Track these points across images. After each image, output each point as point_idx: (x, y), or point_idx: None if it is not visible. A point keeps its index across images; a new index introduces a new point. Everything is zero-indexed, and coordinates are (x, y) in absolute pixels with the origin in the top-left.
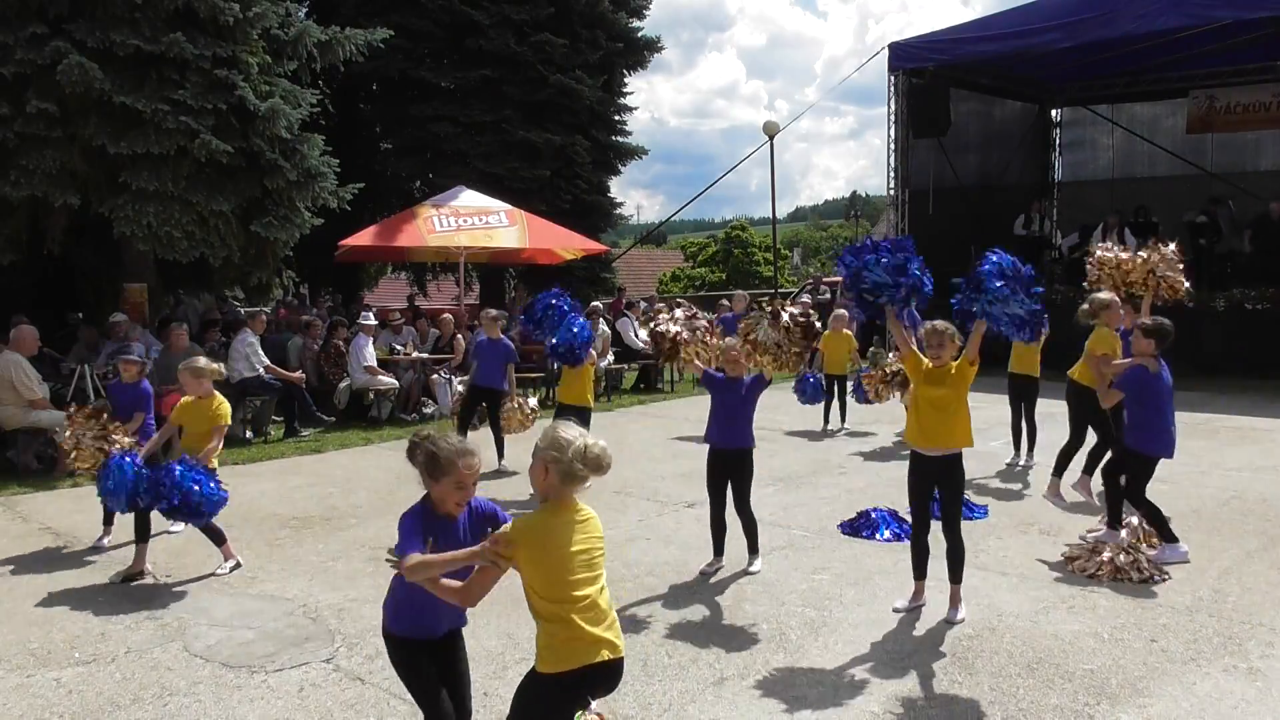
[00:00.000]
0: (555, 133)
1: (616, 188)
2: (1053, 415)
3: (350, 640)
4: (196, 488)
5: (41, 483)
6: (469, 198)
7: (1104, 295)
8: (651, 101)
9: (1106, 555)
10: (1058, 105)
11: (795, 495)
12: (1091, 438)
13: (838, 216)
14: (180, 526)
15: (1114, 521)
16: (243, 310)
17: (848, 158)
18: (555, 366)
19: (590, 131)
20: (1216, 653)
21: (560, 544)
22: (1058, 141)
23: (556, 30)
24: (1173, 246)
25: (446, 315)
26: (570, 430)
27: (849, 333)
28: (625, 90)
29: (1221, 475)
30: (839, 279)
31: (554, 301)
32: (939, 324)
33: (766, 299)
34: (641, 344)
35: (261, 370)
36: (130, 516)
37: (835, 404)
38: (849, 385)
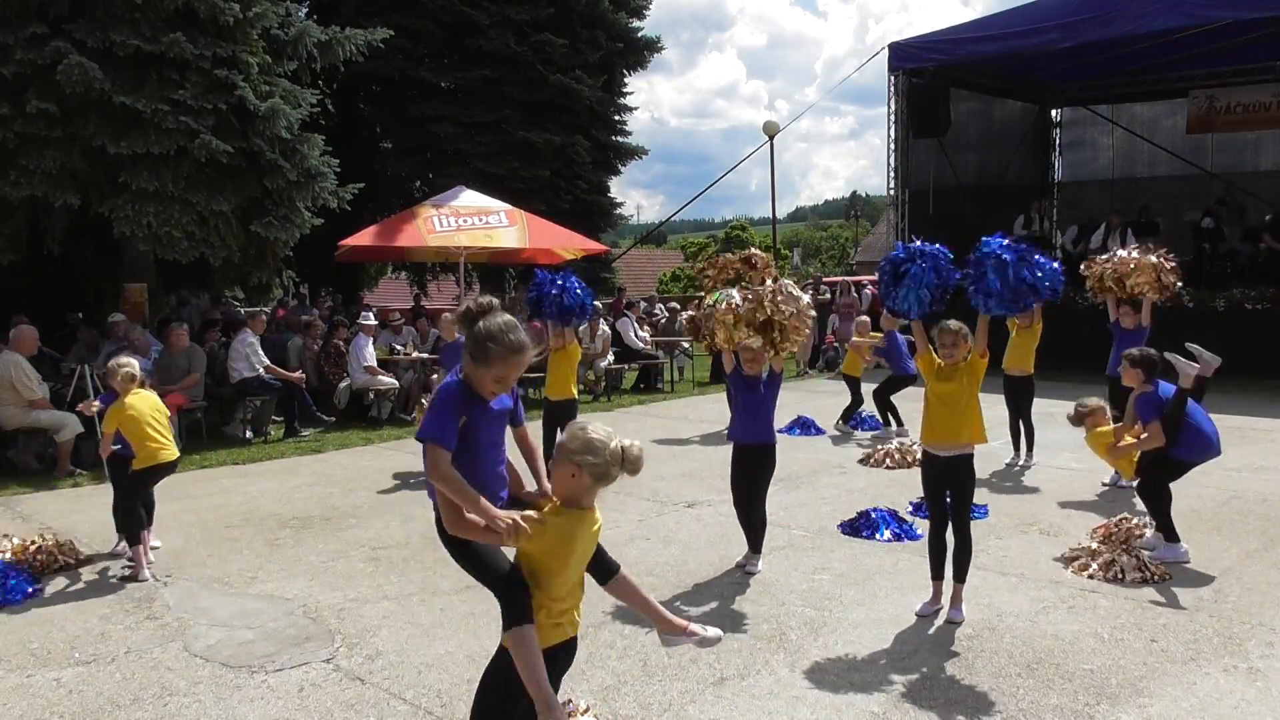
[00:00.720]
0: (555, 133)
1: (616, 188)
2: (1051, 415)
3: (350, 640)
4: None
5: (41, 483)
6: (469, 198)
7: (1091, 401)
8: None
9: (1107, 556)
10: (1058, 105)
11: (795, 495)
12: None
13: (838, 216)
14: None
15: (1169, 535)
16: (243, 310)
17: (848, 158)
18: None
19: (590, 131)
20: (1216, 653)
21: (578, 553)
22: (1058, 141)
23: (556, 30)
24: (1163, 253)
25: (447, 315)
26: (600, 430)
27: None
28: (625, 90)
29: (1221, 475)
30: (838, 279)
31: (553, 292)
32: (952, 323)
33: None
34: (641, 344)
35: (261, 370)
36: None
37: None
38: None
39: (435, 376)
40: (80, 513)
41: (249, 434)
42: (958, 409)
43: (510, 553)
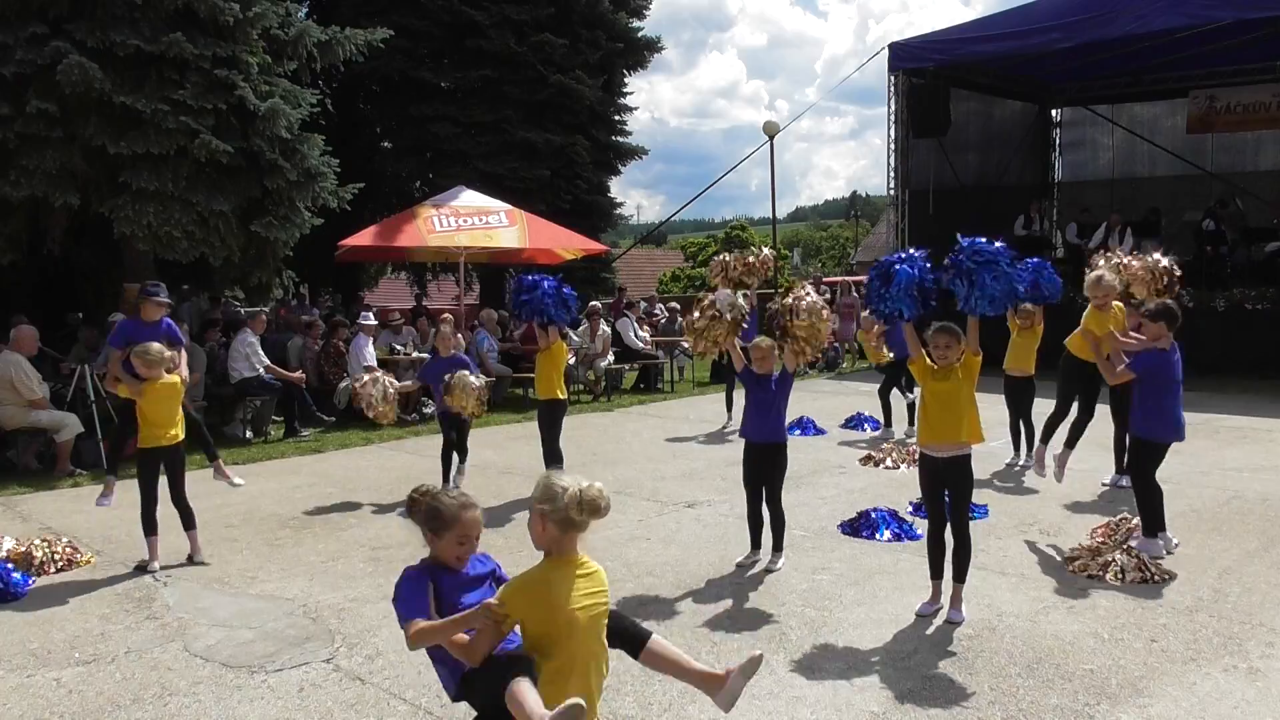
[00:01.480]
0: (555, 133)
1: (616, 188)
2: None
3: (350, 640)
4: None
5: (41, 483)
6: (469, 198)
7: (1097, 273)
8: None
9: (1107, 556)
10: (1058, 105)
11: (795, 495)
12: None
13: (838, 216)
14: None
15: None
16: (243, 310)
17: (848, 158)
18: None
19: (590, 131)
20: (1216, 653)
21: (561, 601)
22: (1058, 141)
23: (556, 30)
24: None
25: (447, 315)
26: (562, 479)
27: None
28: (625, 90)
29: (1221, 475)
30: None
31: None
32: (945, 325)
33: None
34: (641, 344)
35: (261, 370)
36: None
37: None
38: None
39: None
40: (80, 513)
41: (249, 434)
42: (954, 409)
43: None
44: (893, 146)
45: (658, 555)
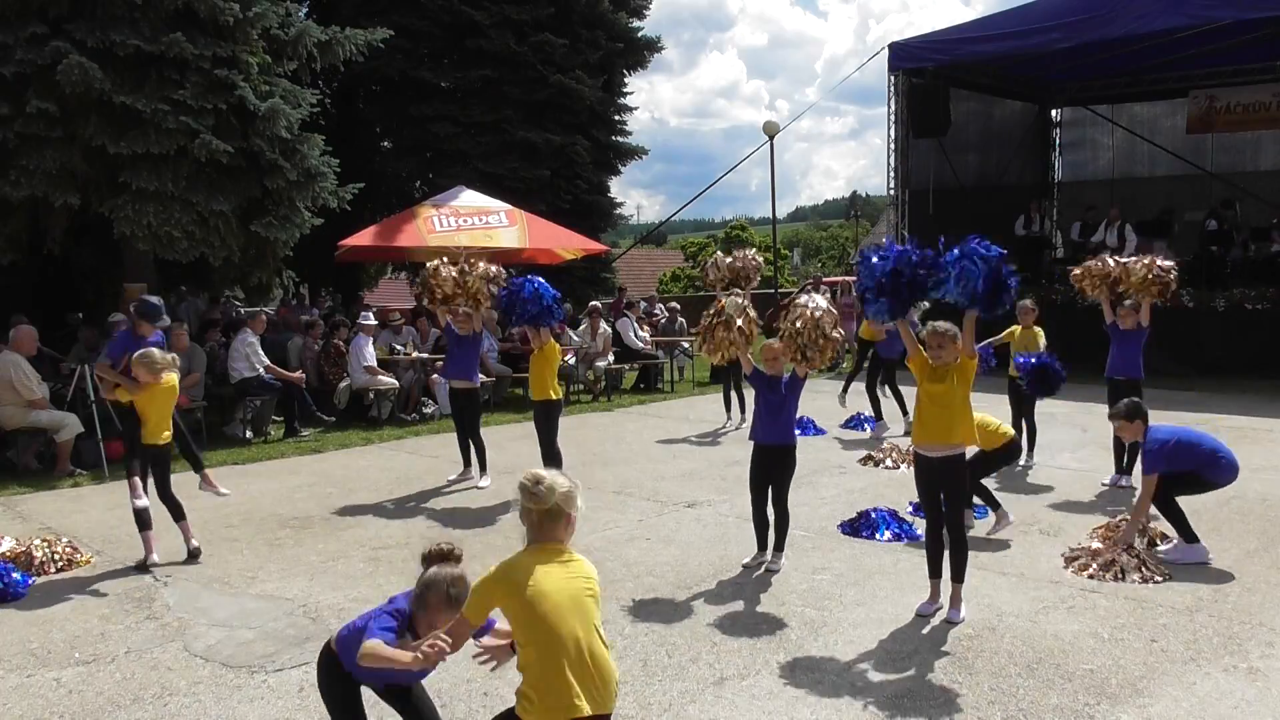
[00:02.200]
0: (555, 133)
1: (616, 188)
2: (1053, 415)
3: None
4: None
5: (41, 483)
6: (469, 198)
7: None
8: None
9: (1108, 556)
10: (1058, 105)
11: (795, 495)
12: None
13: (838, 216)
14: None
15: (1187, 537)
16: (243, 310)
17: (848, 158)
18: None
19: (590, 131)
20: (1216, 653)
21: (538, 581)
22: (1058, 141)
23: (556, 30)
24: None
25: (465, 309)
26: (527, 473)
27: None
28: (625, 90)
29: None
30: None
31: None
32: (941, 325)
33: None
34: (641, 344)
35: (261, 370)
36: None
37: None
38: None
39: (435, 377)
40: (80, 513)
41: (249, 434)
42: (949, 409)
43: None
44: (893, 146)
45: (658, 555)
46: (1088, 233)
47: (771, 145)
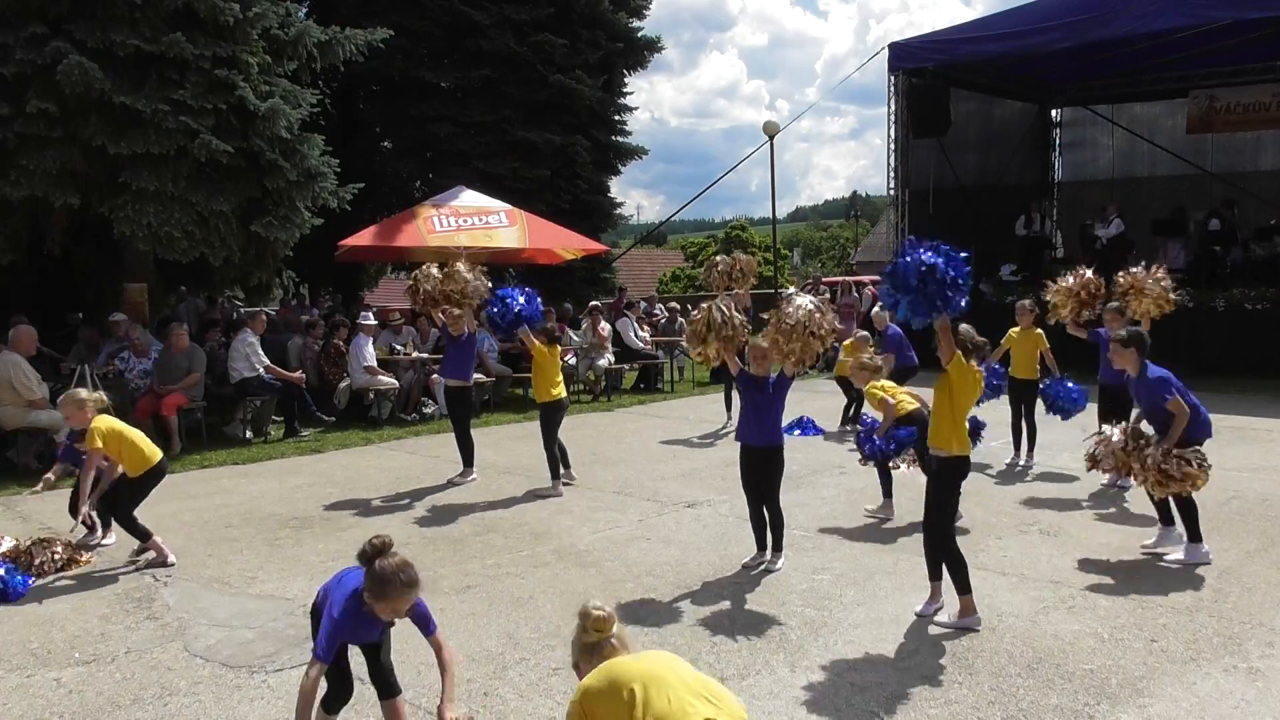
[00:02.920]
0: (555, 133)
1: (616, 188)
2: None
3: None
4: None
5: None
6: (469, 198)
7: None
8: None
9: (1132, 462)
10: (1058, 105)
11: (795, 495)
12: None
13: (838, 216)
14: (111, 539)
15: (1194, 536)
16: (243, 310)
17: (848, 158)
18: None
19: (590, 131)
20: (1216, 653)
21: (628, 675)
22: (1058, 141)
23: (556, 30)
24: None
25: (455, 310)
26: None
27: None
28: (625, 90)
29: (1221, 475)
30: (838, 279)
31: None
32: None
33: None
34: (641, 344)
35: (261, 370)
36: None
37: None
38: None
39: (435, 377)
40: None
41: (249, 434)
42: (937, 412)
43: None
44: (893, 146)
45: (658, 555)
46: (1086, 233)
47: (771, 145)
